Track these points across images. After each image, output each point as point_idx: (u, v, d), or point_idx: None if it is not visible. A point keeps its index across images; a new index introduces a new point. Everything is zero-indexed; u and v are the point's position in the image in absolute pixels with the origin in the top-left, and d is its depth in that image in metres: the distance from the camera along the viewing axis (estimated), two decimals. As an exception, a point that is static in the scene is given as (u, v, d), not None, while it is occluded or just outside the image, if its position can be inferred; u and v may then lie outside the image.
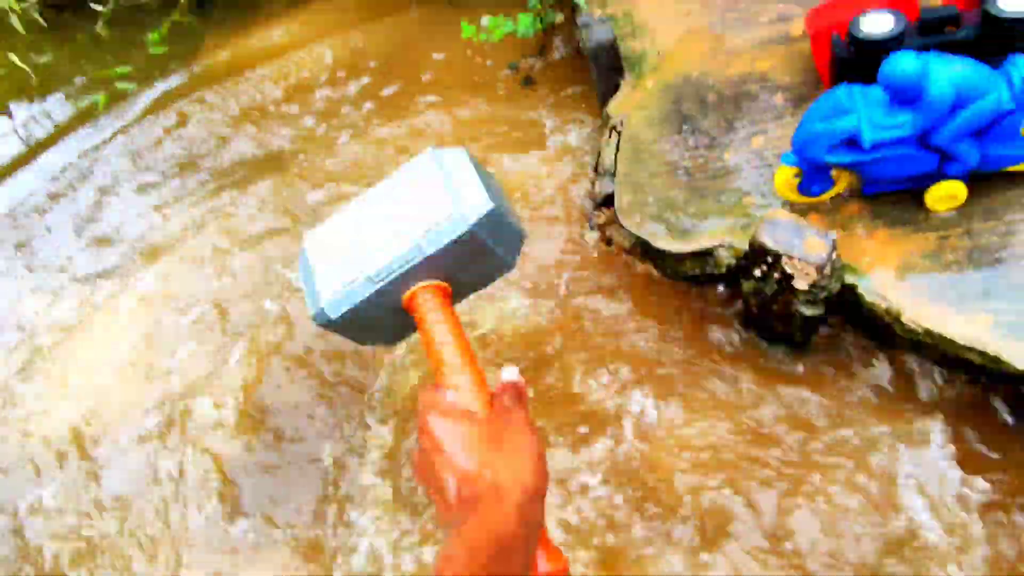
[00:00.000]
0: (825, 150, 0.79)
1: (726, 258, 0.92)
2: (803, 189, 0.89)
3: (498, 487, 0.54)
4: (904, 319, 0.82)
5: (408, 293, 0.66)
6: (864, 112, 0.77)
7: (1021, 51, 0.84)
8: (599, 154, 1.09)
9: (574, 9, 1.27)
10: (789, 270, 0.82)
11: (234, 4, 2.15)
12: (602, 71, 1.13)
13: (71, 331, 1.35)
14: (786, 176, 0.88)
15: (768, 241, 0.82)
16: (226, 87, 1.87)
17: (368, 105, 1.62)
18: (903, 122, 0.76)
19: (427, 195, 0.66)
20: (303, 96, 1.73)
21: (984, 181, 0.86)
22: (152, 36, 2.12)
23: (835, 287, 0.84)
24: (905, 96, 0.74)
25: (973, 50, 0.85)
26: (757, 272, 0.86)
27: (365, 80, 1.69)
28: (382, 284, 0.65)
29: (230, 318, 1.27)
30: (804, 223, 0.82)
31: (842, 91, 0.78)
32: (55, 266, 1.51)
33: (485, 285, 0.73)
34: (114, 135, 1.87)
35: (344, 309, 0.65)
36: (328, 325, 0.66)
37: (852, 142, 0.79)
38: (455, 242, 0.63)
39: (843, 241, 0.87)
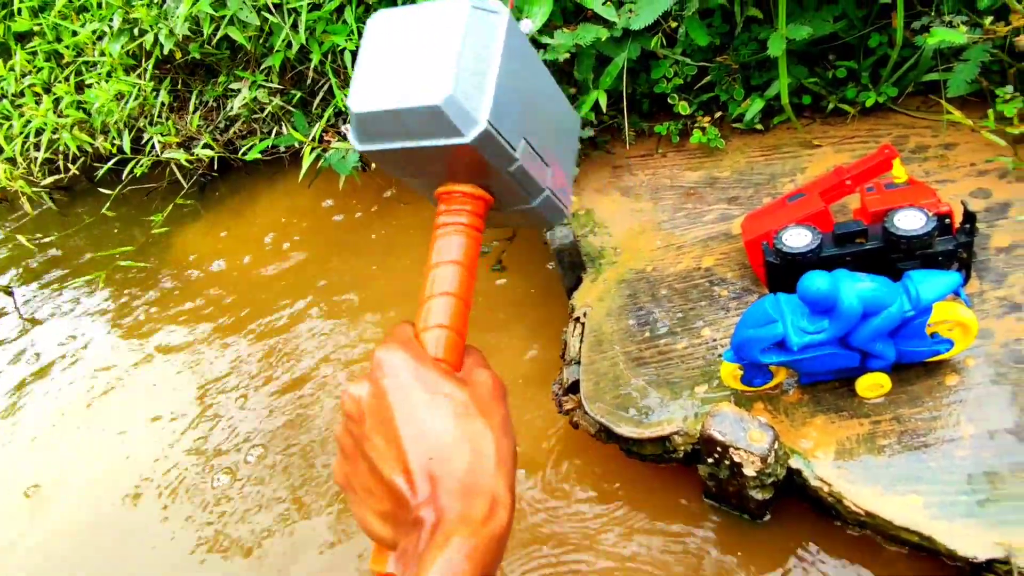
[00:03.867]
0: (759, 352, 0.90)
1: (682, 444, 1.00)
2: (746, 381, 0.99)
3: (486, 481, 0.44)
4: (846, 502, 0.89)
5: (440, 188, 0.59)
6: (789, 319, 0.88)
7: (920, 259, 0.98)
8: (565, 344, 1.20)
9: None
10: (737, 459, 0.90)
11: (235, 190, 2.33)
12: (565, 267, 1.26)
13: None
14: (730, 369, 0.98)
15: (716, 434, 0.91)
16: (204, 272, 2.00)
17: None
18: (823, 328, 0.87)
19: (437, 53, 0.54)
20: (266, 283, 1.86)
21: (907, 370, 0.97)
22: (155, 217, 2.28)
23: (781, 472, 0.92)
24: (821, 308, 0.86)
25: (883, 258, 0.99)
26: (710, 459, 0.94)
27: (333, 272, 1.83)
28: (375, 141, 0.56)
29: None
30: (746, 416, 0.92)
31: (768, 302, 0.90)
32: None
33: (532, 222, 0.65)
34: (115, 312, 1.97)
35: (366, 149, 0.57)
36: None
37: (782, 344, 0.90)
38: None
39: (786, 428, 0.96)
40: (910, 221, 0.97)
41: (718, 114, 1.46)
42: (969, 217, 0.98)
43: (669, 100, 1.44)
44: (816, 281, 0.84)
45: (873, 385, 0.94)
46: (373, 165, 1.93)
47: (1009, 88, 1.20)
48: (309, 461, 1.34)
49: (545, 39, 1.30)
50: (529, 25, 1.30)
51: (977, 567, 0.81)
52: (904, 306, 0.86)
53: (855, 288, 0.85)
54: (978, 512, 0.83)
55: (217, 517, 1.30)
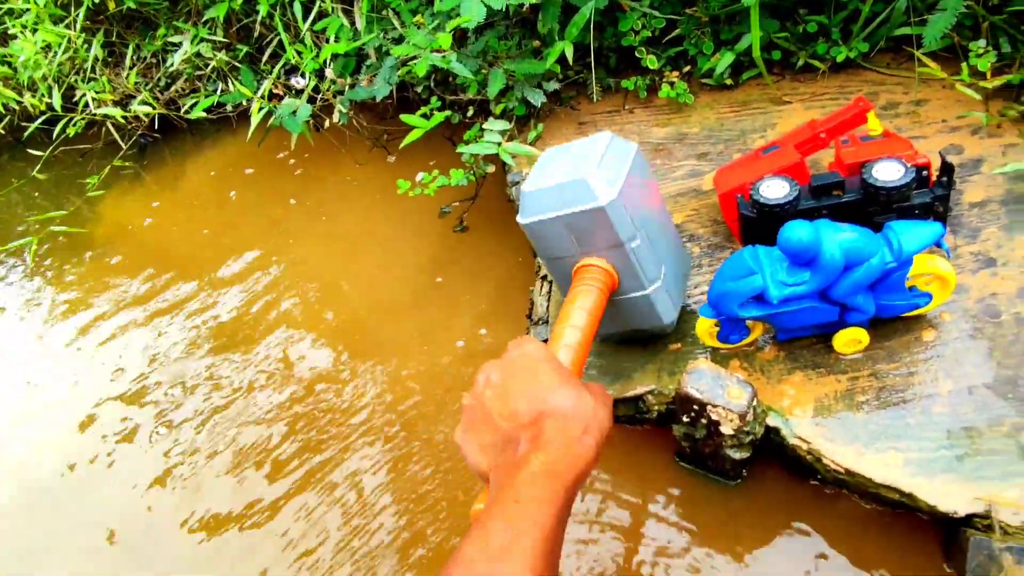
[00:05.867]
0: (737, 306, 0.86)
1: (655, 404, 0.96)
2: (722, 338, 0.95)
3: (589, 425, 0.56)
4: (825, 460, 0.86)
5: (579, 263, 0.82)
6: (769, 272, 0.85)
7: (896, 211, 0.95)
8: (532, 303, 1.14)
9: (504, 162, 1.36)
10: (715, 417, 0.87)
11: (178, 152, 2.20)
12: (532, 224, 1.21)
13: None
14: (706, 326, 0.94)
15: (693, 392, 0.87)
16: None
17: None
18: (803, 280, 0.83)
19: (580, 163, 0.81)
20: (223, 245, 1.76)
21: (884, 325, 0.94)
22: (90, 181, 2.14)
23: (759, 430, 0.89)
24: (802, 259, 0.82)
25: (860, 210, 0.96)
26: (685, 418, 0.91)
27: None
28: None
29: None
30: (724, 373, 0.88)
31: (747, 253, 0.86)
32: None
33: (641, 328, 0.91)
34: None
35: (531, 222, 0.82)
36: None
37: (761, 298, 0.86)
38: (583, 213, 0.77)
39: (763, 385, 0.93)
40: (888, 172, 0.94)
41: (686, 69, 1.41)
42: (947, 169, 0.96)
43: (637, 54, 1.39)
44: (798, 231, 0.81)
45: (851, 341, 0.91)
46: (327, 123, 1.84)
47: (982, 42, 1.18)
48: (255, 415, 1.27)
49: (509, -17, 1.24)
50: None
51: (957, 522, 0.80)
52: (886, 257, 0.83)
53: (837, 238, 0.81)
54: (957, 467, 0.81)
55: (163, 470, 1.23)
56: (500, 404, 0.58)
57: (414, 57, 1.41)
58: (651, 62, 1.38)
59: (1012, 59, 1.18)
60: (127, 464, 1.29)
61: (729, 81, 1.37)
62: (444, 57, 1.33)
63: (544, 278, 1.15)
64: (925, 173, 0.97)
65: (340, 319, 1.45)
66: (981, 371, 0.88)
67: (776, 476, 0.97)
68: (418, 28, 1.35)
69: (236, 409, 1.33)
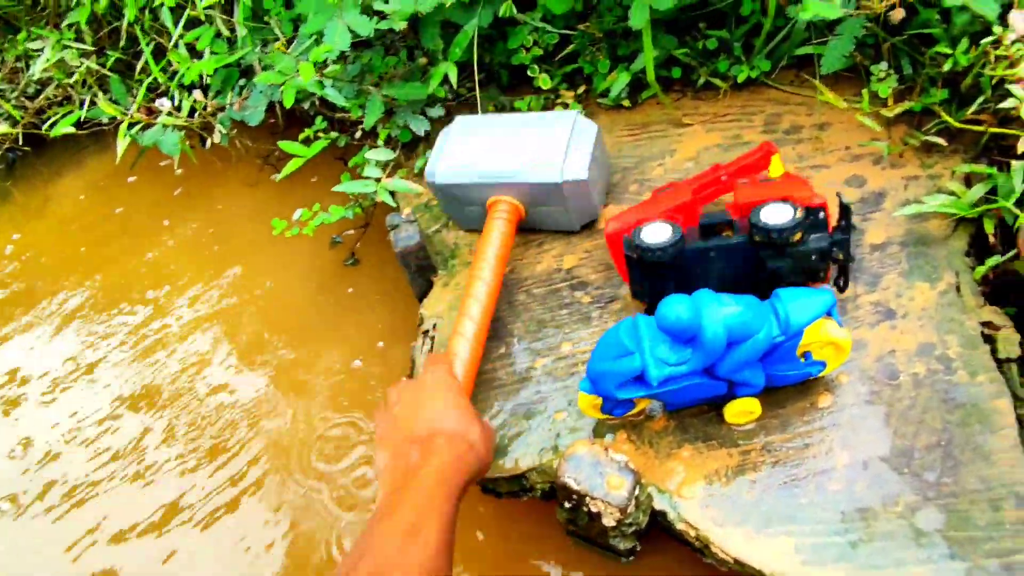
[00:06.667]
0: (615, 387, 0.78)
1: (539, 482, 0.88)
2: (606, 411, 0.87)
3: (473, 444, 0.70)
4: (714, 548, 0.79)
5: (493, 198, 0.97)
6: (648, 349, 0.76)
7: (791, 257, 0.87)
8: (413, 362, 1.05)
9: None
10: (595, 509, 0.79)
11: (52, 165, 2.02)
12: (412, 271, 1.10)
13: None
14: (588, 400, 0.86)
15: (571, 482, 0.79)
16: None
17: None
18: (686, 359, 0.76)
19: (550, 141, 0.96)
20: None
21: (779, 391, 0.87)
22: (-48, 201, 1.94)
23: (643, 520, 0.81)
24: (683, 338, 0.74)
25: (751, 255, 0.88)
26: (567, 504, 0.83)
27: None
28: (483, 181, 0.97)
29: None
30: (604, 458, 0.80)
31: (624, 329, 0.78)
32: None
33: (549, 228, 1.06)
34: None
35: (450, 183, 0.99)
36: (433, 187, 1.02)
37: (642, 376, 0.78)
38: (543, 184, 0.95)
39: (651, 460, 0.86)
40: (776, 215, 0.86)
41: (582, 88, 1.32)
42: (844, 212, 0.88)
43: (529, 72, 1.29)
44: (676, 308, 0.73)
45: (742, 412, 0.85)
46: (209, 143, 1.68)
47: (883, 65, 1.11)
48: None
49: (379, 5, 1.11)
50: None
51: (850, 618, 0.74)
52: (773, 331, 0.76)
53: (720, 315, 0.73)
54: (850, 555, 0.75)
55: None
56: (404, 422, 0.70)
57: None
58: (544, 81, 1.28)
59: (914, 82, 1.12)
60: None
61: (627, 103, 1.28)
62: (318, 82, 1.20)
63: (425, 333, 1.05)
64: (822, 215, 0.89)
65: (231, 344, 1.33)
66: (878, 440, 0.82)
67: (672, 550, 0.91)
68: (283, 53, 1.22)
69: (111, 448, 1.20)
